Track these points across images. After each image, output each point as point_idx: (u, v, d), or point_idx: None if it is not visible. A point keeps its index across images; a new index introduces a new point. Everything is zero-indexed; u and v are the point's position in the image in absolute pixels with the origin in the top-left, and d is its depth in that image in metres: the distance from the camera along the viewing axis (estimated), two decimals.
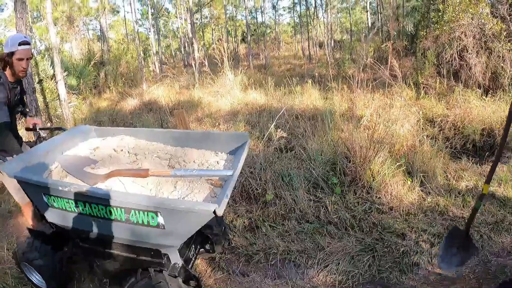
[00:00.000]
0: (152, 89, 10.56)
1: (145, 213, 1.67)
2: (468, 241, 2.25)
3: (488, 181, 2.08)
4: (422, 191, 3.40)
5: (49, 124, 6.79)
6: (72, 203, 1.83)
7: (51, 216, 2.00)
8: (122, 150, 2.34)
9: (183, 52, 20.42)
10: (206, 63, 11.74)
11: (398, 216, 3.03)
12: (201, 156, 2.28)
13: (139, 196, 1.76)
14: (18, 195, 2.83)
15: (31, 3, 15.77)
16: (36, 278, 2.45)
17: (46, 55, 9.58)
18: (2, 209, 3.80)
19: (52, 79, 7.94)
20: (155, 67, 15.31)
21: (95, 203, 1.76)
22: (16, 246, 2.45)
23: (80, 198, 1.78)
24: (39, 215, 3.03)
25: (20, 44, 2.46)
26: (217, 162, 2.23)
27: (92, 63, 10.90)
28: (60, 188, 1.78)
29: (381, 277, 2.41)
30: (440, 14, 6.67)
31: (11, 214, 3.60)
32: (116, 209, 1.72)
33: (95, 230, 1.88)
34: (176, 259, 1.99)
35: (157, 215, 1.65)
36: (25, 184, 1.99)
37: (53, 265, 2.32)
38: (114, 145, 2.41)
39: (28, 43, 2.52)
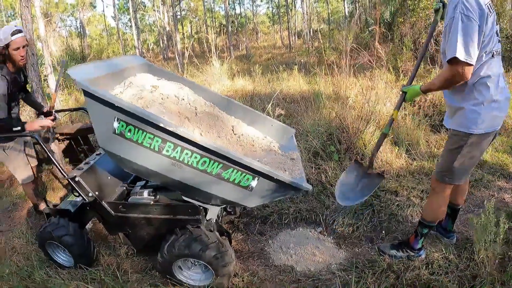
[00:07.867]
0: None
1: (243, 174, 1.73)
2: (372, 173, 2.49)
3: (397, 108, 2.31)
4: (408, 157, 3.81)
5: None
6: (158, 140, 1.69)
7: (110, 144, 1.81)
8: (183, 100, 2.23)
9: (161, 45, 20.32)
10: (187, 54, 11.80)
11: (390, 178, 3.42)
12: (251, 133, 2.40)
13: (252, 161, 1.74)
14: (21, 172, 2.82)
15: (4, 0, 15.29)
16: (61, 257, 2.46)
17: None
18: (5, 202, 3.80)
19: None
20: None
21: (191, 151, 1.69)
22: (41, 226, 2.42)
23: (177, 141, 1.68)
24: (39, 194, 3.06)
25: (12, 34, 2.48)
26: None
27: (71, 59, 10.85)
28: (162, 125, 1.63)
29: (381, 227, 2.78)
30: (416, 1, 7.09)
31: (15, 207, 3.64)
32: (213, 163, 1.71)
33: (164, 172, 1.80)
34: (212, 215, 2.19)
35: (253, 179, 1.73)
36: (93, 100, 1.69)
37: (82, 241, 2.34)
38: (174, 91, 2.30)
39: (20, 31, 2.53)
